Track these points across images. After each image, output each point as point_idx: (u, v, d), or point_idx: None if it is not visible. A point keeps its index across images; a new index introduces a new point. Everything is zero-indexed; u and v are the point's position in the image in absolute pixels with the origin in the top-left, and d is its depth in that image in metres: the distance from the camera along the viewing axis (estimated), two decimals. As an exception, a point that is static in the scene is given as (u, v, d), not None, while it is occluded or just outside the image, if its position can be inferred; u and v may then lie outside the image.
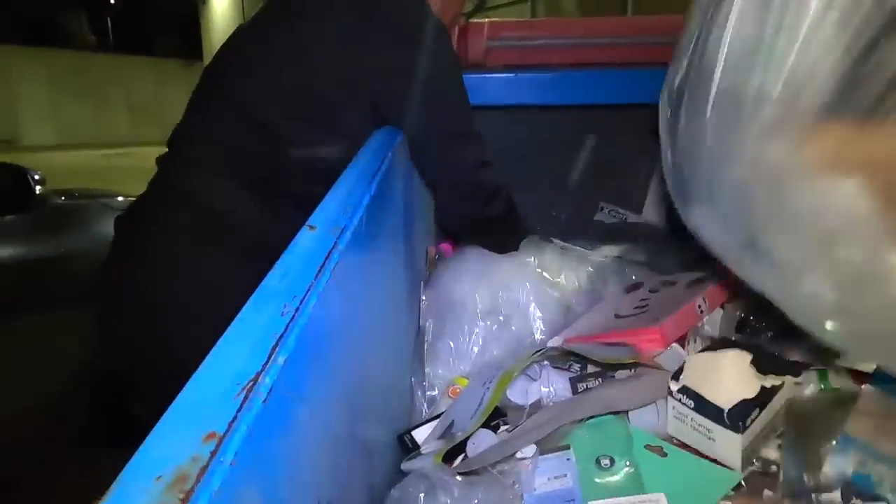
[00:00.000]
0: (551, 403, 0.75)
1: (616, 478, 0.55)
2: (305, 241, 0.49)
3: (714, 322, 0.86)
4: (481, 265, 0.95)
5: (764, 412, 0.56)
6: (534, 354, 0.70)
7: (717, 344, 0.60)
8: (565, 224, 1.46)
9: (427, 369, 0.91)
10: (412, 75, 0.79)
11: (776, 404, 0.57)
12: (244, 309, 0.40)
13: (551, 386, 0.77)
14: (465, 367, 0.91)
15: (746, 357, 0.57)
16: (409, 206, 0.88)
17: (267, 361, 0.35)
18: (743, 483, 0.55)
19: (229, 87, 0.83)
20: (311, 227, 0.51)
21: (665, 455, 0.59)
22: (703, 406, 0.56)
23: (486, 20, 1.30)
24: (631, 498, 0.50)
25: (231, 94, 0.82)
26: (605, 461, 0.56)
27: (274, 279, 0.43)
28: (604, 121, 1.41)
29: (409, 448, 0.76)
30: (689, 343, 0.82)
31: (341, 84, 0.80)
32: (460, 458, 0.71)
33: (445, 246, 1.11)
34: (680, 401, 0.57)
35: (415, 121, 0.82)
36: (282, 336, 0.37)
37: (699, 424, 0.56)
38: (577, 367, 0.76)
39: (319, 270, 0.45)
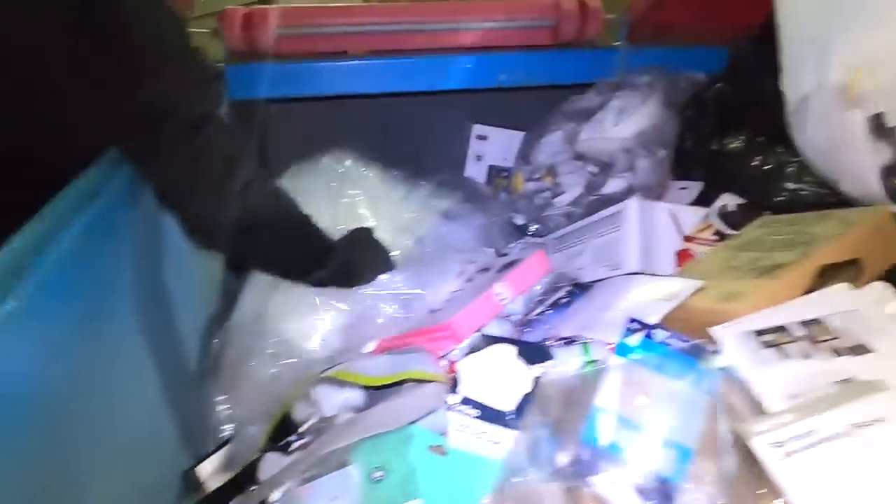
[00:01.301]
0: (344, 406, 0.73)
1: (388, 491, 0.53)
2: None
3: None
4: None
5: (537, 401, 0.57)
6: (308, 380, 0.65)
7: (479, 343, 0.60)
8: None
9: (220, 397, 0.84)
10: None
11: (544, 391, 0.59)
12: None
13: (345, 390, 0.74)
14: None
15: (512, 350, 0.58)
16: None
17: None
18: (514, 470, 0.56)
19: None
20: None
21: (445, 453, 0.59)
22: (487, 413, 0.55)
23: (274, 6, 1.22)
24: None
25: None
26: (379, 474, 0.55)
27: None
28: (415, 107, 1.40)
29: (192, 487, 0.70)
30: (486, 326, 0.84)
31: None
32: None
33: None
34: (461, 412, 0.56)
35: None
36: None
37: (483, 432, 0.56)
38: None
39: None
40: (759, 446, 0.38)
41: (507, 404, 0.54)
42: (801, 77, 0.74)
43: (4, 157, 0.63)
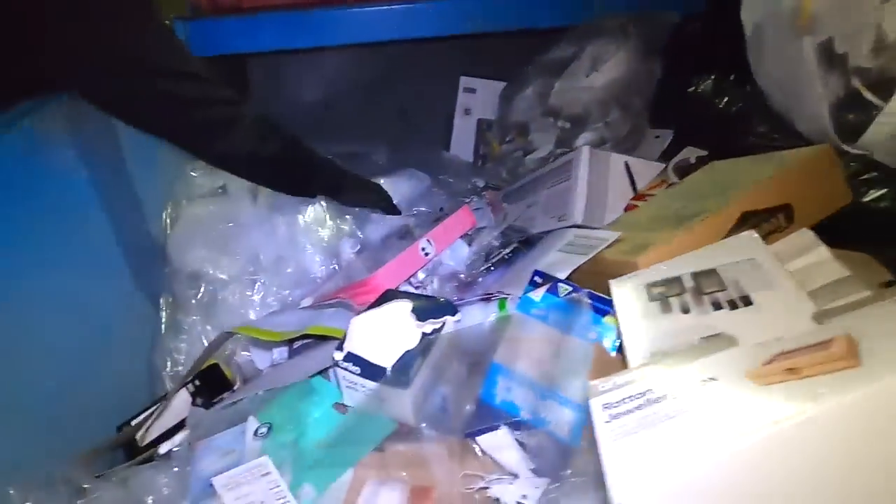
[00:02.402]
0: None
1: (270, 447, 0.52)
2: None
3: (460, 258, 0.85)
4: (213, 229, 0.88)
5: (429, 358, 0.55)
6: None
7: (381, 299, 0.58)
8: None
9: (173, 343, 0.86)
10: None
11: (440, 347, 0.56)
12: None
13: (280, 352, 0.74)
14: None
15: (407, 306, 0.56)
16: (105, 171, 0.77)
17: None
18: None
19: None
20: None
21: (346, 411, 0.58)
22: (369, 369, 0.53)
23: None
24: (238, 468, 0.47)
25: None
26: (262, 430, 0.54)
27: None
28: (400, 58, 1.36)
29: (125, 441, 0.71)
30: (427, 287, 0.82)
31: None
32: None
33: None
34: (347, 370, 0.54)
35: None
36: None
37: (369, 389, 0.54)
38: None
39: None
40: (594, 408, 0.34)
41: (388, 360, 0.52)
42: (756, 2, 0.67)
43: None
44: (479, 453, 0.52)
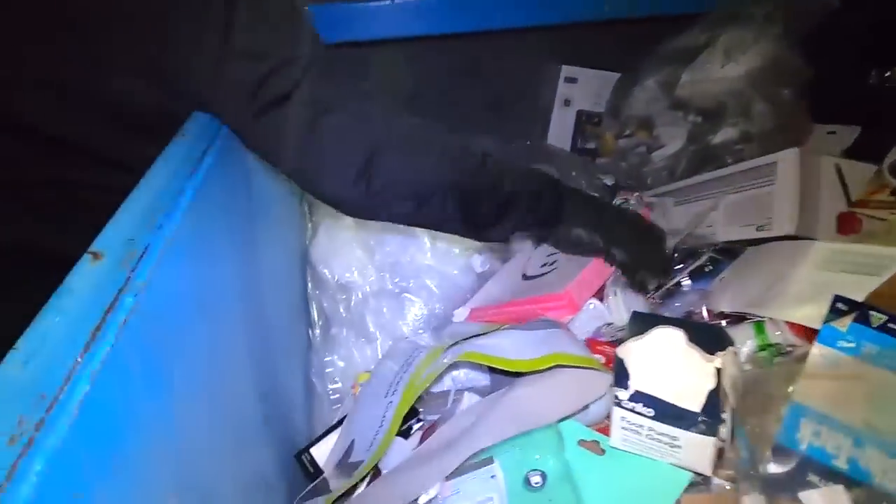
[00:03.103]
0: (465, 391, 0.65)
1: (551, 499, 0.46)
2: (81, 282, 0.33)
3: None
4: (357, 240, 0.82)
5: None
6: (439, 366, 0.58)
7: (635, 327, 0.50)
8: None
9: (328, 357, 0.79)
10: None
11: (724, 382, 0.49)
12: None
13: (466, 373, 0.67)
14: (369, 353, 0.80)
15: (680, 336, 0.48)
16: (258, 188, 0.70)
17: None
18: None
19: None
20: (96, 255, 0.35)
21: (602, 452, 0.51)
22: (667, 412, 0.46)
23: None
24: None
25: None
26: (536, 478, 0.47)
27: (13, 366, 0.27)
28: (497, 48, 1.27)
29: (309, 472, 0.65)
30: (608, 297, 0.74)
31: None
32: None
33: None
34: (633, 410, 0.47)
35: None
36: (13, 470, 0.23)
37: (660, 433, 0.47)
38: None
39: (97, 332, 0.29)
40: None
41: (692, 403, 0.45)
42: None
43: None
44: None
